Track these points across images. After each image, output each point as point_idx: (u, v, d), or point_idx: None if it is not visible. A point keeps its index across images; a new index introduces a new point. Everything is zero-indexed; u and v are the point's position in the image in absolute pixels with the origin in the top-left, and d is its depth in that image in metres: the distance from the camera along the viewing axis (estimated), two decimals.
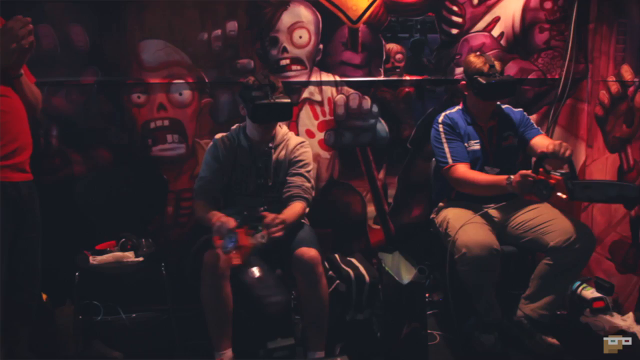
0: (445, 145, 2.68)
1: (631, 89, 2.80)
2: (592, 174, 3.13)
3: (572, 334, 2.67)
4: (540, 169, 2.35)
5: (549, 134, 3.14)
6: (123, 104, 2.84)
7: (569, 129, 3.19)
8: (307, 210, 2.59)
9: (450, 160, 2.65)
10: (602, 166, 3.05)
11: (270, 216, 2.18)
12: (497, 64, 2.59)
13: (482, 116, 2.71)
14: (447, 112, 2.77)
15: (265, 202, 2.46)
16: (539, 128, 2.76)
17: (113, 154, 2.87)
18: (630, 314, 2.73)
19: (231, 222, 2.16)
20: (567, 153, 2.34)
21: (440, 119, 2.74)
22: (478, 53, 2.70)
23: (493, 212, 2.65)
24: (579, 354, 2.52)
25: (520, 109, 2.80)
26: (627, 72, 2.83)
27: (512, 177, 2.38)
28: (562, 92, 3.11)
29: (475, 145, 2.69)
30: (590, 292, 2.81)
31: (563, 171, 2.33)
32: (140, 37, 2.80)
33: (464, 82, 2.69)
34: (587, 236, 2.44)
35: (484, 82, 2.54)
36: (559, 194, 2.28)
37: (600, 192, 2.31)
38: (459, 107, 2.77)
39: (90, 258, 2.49)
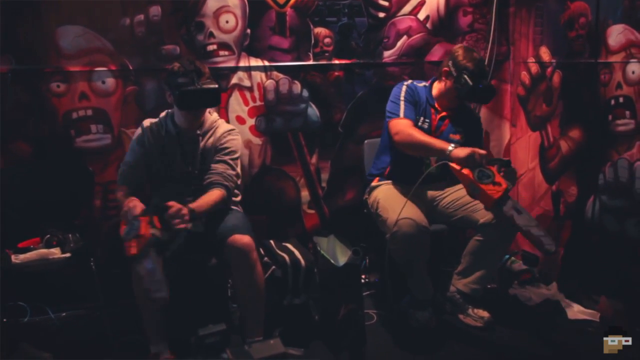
0: (402, 103, 2.63)
1: (549, 69, 2.92)
2: (517, 152, 3.26)
3: (502, 305, 2.78)
4: (495, 167, 2.39)
5: None
6: (41, 93, 2.69)
7: (494, 109, 3.29)
8: (239, 198, 2.57)
9: (401, 114, 2.60)
10: (525, 144, 3.18)
11: (175, 207, 2.12)
12: (486, 69, 2.57)
13: (442, 104, 2.70)
14: (415, 81, 2.75)
15: (192, 191, 2.41)
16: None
17: (33, 147, 2.73)
18: (554, 284, 2.87)
19: (137, 209, 2.11)
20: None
21: (407, 82, 2.72)
22: (475, 52, 2.62)
23: (423, 192, 2.70)
24: (508, 324, 2.62)
25: (480, 117, 2.91)
26: (545, 54, 2.95)
27: (454, 146, 2.39)
28: None
29: (424, 124, 2.67)
30: (518, 265, 2.94)
31: (509, 187, 2.36)
32: (57, 22, 2.66)
33: (446, 68, 2.62)
34: None
35: (471, 83, 2.50)
36: (490, 193, 2.31)
37: (523, 221, 2.33)
38: (426, 83, 2.76)
39: (13, 257, 2.37)
